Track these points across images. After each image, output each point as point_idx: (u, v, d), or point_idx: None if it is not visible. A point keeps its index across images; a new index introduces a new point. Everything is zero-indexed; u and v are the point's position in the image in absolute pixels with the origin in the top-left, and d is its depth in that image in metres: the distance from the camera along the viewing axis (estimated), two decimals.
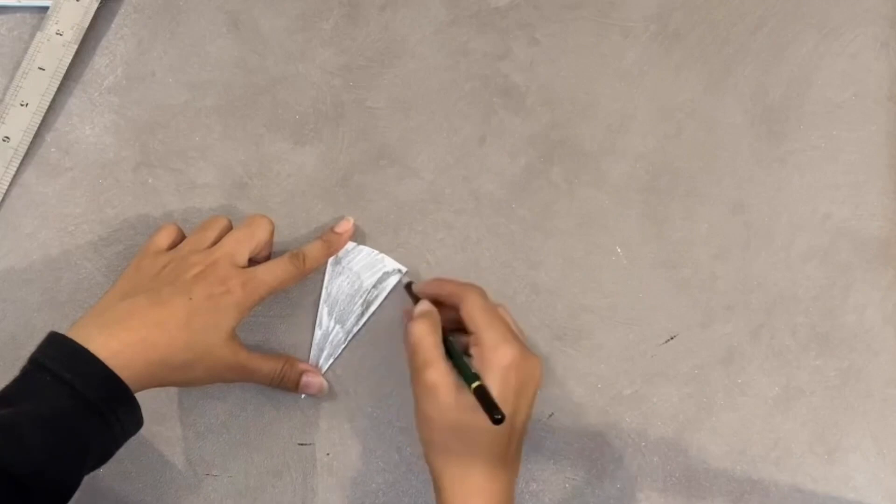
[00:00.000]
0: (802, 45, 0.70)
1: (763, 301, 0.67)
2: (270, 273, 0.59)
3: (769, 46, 0.70)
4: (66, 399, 0.49)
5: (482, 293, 0.58)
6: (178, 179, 0.67)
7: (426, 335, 0.56)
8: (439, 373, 0.54)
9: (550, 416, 0.65)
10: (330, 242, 0.64)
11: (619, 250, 0.67)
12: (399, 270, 0.65)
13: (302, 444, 0.64)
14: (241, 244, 0.59)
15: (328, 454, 0.64)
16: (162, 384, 0.55)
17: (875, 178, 0.68)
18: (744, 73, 0.69)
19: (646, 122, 0.69)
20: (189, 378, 0.56)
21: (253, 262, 0.60)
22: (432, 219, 0.67)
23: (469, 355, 0.56)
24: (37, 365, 0.51)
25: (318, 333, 0.64)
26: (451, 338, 0.57)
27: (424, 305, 0.59)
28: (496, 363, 0.54)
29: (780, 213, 0.68)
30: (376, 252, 0.65)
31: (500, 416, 0.50)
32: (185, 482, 0.64)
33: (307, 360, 0.65)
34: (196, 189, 0.67)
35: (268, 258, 0.62)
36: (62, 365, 0.50)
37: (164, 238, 0.60)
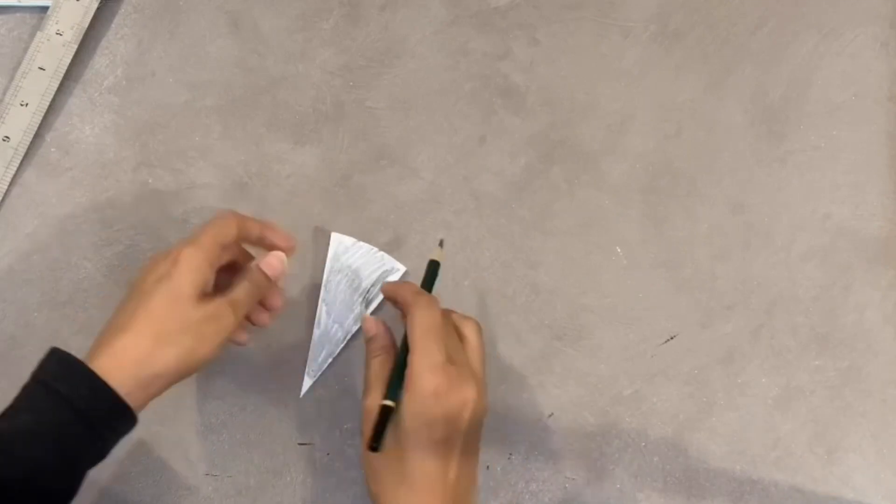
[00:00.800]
0: (802, 45, 0.70)
1: (763, 301, 0.67)
2: (210, 225, 0.57)
3: (769, 46, 0.70)
4: (58, 411, 0.50)
5: (430, 309, 0.55)
6: (178, 179, 0.67)
7: (373, 359, 0.57)
8: (371, 401, 0.54)
9: (550, 416, 0.65)
10: (267, 227, 0.59)
11: (619, 250, 0.67)
12: (398, 269, 0.65)
13: (302, 444, 0.64)
14: (194, 236, 0.56)
15: (328, 454, 0.64)
16: (162, 370, 0.53)
17: (875, 178, 0.68)
18: (744, 73, 0.69)
19: (646, 122, 0.69)
20: (185, 352, 0.54)
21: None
22: (432, 219, 0.67)
23: None
24: (33, 379, 0.52)
25: (316, 332, 0.64)
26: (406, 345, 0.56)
27: (373, 330, 0.58)
28: (418, 389, 0.52)
29: (780, 213, 0.68)
30: (376, 249, 0.65)
31: (375, 446, 0.52)
32: (185, 482, 0.64)
33: (306, 360, 0.65)
34: (196, 189, 0.67)
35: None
36: (54, 377, 0.51)
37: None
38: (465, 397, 0.53)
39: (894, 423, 0.66)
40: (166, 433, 0.64)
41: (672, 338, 0.66)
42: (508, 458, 0.64)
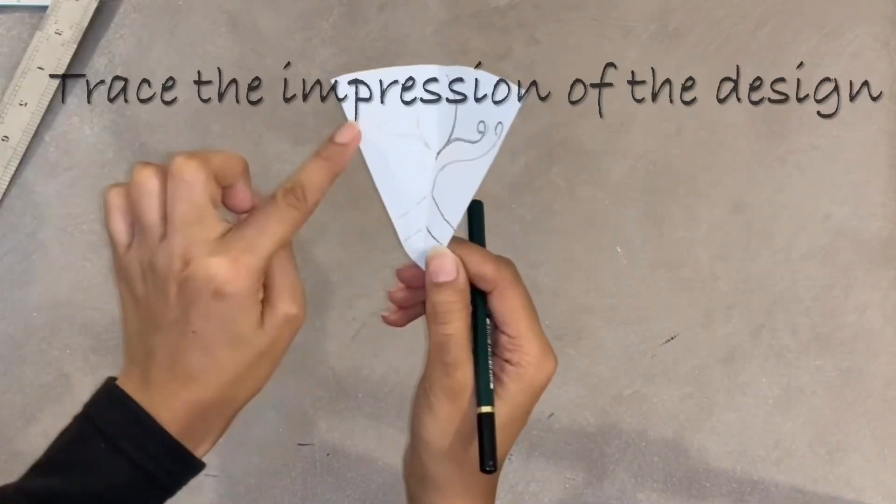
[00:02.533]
0: (802, 45, 0.70)
1: (763, 301, 0.67)
2: (260, 233, 0.42)
3: (769, 46, 0.70)
4: (124, 473, 0.42)
5: (521, 279, 0.46)
6: None
7: (460, 323, 0.43)
8: (467, 379, 0.43)
9: (550, 416, 0.65)
10: (331, 158, 0.46)
11: (619, 250, 0.67)
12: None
13: (302, 444, 0.64)
14: (194, 225, 0.42)
15: (328, 454, 0.64)
16: (238, 407, 0.46)
17: (875, 178, 0.68)
18: (744, 73, 0.69)
19: (646, 122, 0.69)
20: (266, 374, 0.45)
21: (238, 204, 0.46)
22: None
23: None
24: (93, 428, 0.43)
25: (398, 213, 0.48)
26: (487, 326, 0.45)
27: (451, 265, 0.44)
28: (536, 384, 0.44)
29: (780, 213, 0.68)
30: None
31: (490, 467, 0.41)
32: None
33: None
34: None
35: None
36: (121, 431, 0.42)
37: (122, 234, 0.45)
38: (551, 371, 0.45)
39: (894, 423, 0.66)
40: None
41: (672, 338, 0.66)
42: (508, 459, 0.64)
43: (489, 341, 0.44)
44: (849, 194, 0.68)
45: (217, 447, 0.63)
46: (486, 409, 0.42)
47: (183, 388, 0.43)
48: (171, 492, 0.45)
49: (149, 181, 0.44)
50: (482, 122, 0.44)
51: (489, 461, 0.41)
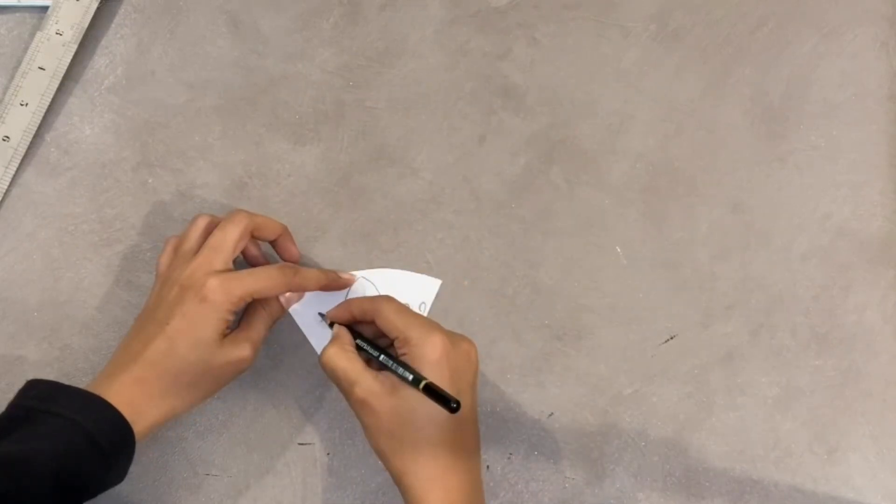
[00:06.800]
0: (802, 45, 0.70)
1: (763, 301, 0.67)
2: (251, 276, 0.57)
3: (769, 46, 0.70)
4: (78, 440, 0.51)
5: (393, 299, 0.58)
6: (178, 179, 0.67)
7: (337, 358, 0.57)
8: (364, 387, 0.55)
9: (550, 416, 0.65)
10: (329, 277, 0.62)
11: (619, 250, 0.67)
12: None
13: (302, 444, 0.64)
14: (217, 252, 0.57)
15: (328, 454, 0.64)
16: (177, 412, 0.57)
17: (875, 178, 0.68)
18: (744, 73, 0.69)
19: (646, 122, 0.69)
20: (203, 395, 0.57)
21: (253, 258, 0.62)
22: (432, 219, 0.67)
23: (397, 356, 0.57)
24: (46, 412, 0.52)
25: None
26: (377, 344, 0.59)
27: (334, 330, 0.60)
28: (428, 357, 0.54)
29: (780, 213, 0.68)
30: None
31: (455, 405, 0.51)
32: (185, 482, 0.64)
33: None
34: (196, 189, 0.67)
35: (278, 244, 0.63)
36: (73, 409, 0.52)
37: (165, 259, 0.60)
38: (467, 353, 0.57)
39: (894, 423, 0.66)
40: (166, 433, 0.64)
41: (672, 338, 0.66)
42: (508, 458, 0.64)
43: (389, 356, 0.57)
44: (848, 194, 0.68)
45: (217, 446, 0.64)
46: (423, 382, 0.53)
47: (139, 367, 0.54)
48: (107, 457, 0.52)
49: (201, 221, 0.60)
50: (408, 302, 0.65)
51: (451, 403, 0.51)
